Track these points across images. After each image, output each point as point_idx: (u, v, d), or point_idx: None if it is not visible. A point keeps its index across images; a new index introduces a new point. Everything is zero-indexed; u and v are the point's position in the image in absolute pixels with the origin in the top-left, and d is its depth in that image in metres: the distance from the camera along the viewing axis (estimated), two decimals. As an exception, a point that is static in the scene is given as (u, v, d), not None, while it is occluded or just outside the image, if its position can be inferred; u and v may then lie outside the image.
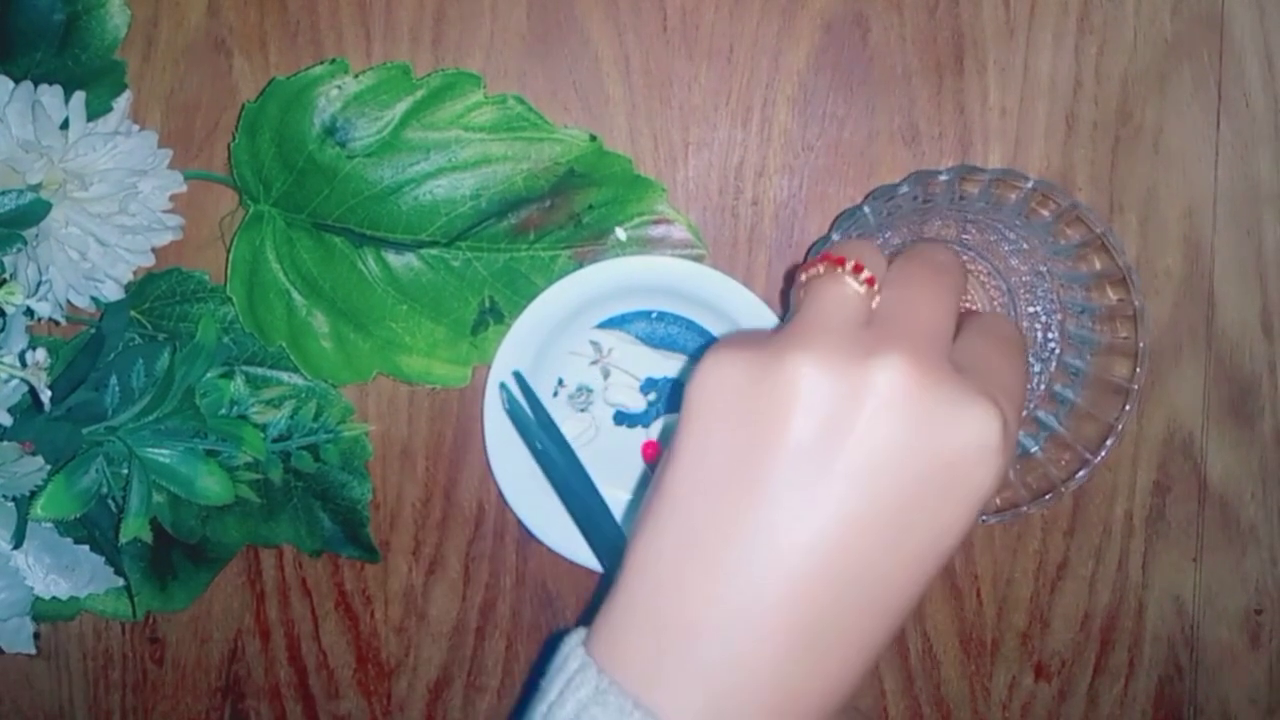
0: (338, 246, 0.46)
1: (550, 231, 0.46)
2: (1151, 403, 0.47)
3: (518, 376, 0.45)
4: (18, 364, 0.41)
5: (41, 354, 0.41)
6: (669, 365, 0.47)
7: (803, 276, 0.29)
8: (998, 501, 0.42)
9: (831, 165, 0.46)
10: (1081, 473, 0.41)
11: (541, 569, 0.49)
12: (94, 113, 0.43)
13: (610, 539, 0.44)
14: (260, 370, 0.47)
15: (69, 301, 0.44)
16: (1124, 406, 0.41)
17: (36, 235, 0.42)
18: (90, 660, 0.51)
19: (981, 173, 0.40)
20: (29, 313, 0.43)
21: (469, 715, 0.50)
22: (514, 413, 0.44)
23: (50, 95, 0.42)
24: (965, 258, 0.46)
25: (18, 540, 0.44)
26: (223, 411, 0.46)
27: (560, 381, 0.47)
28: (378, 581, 0.49)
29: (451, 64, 0.46)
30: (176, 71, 0.47)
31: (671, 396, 0.47)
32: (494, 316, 0.46)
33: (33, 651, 0.47)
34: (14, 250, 0.41)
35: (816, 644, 0.25)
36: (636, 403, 0.47)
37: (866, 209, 0.41)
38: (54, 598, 0.47)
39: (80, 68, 0.45)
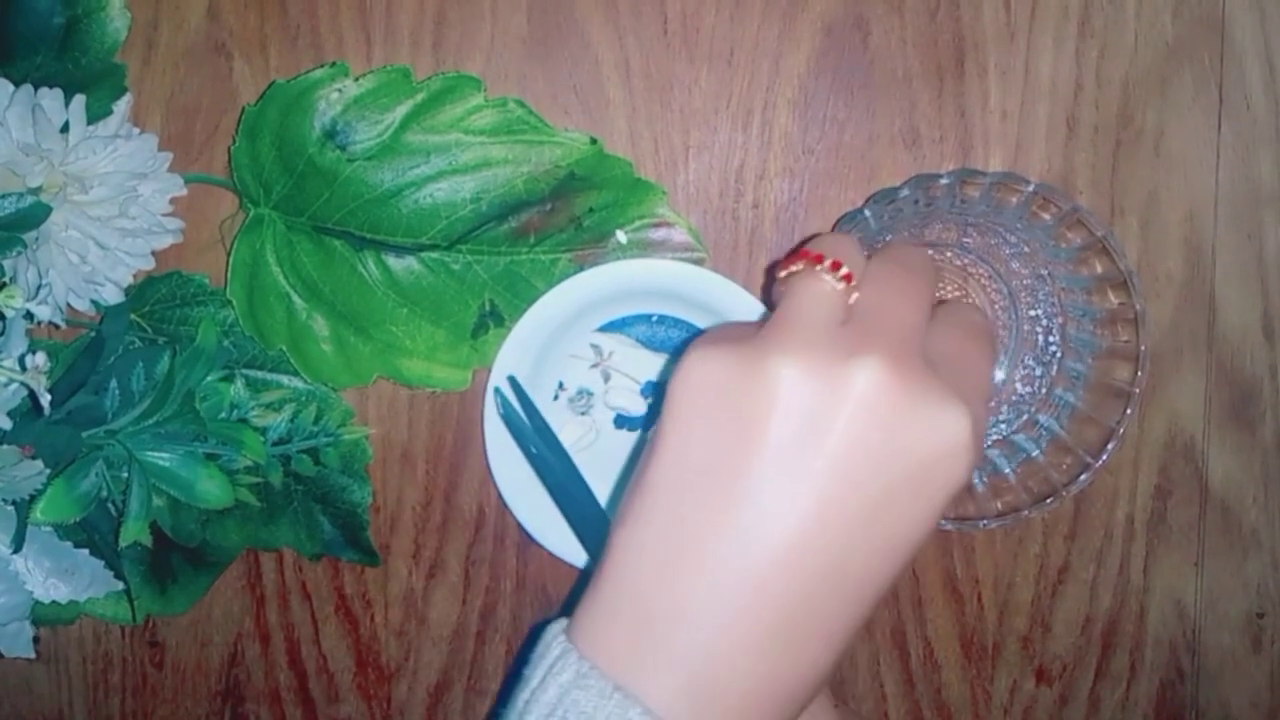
0: (338, 250, 0.46)
1: (551, 235, 0.45)
2: (1153, 406, 0.47)
3: (512, 381, 0.45)
4: (17, 368, 0.41)
5: (41, 358, 0.41)
6: (669, 369, 0.47)
7: (782, 273, 0.29)
8: (999, 505, 0.42)
9: (832, 168, 0.46)
10: (1083, 476, 0.41)
11: (542, 573, 0.49)
12: (94, 116, 0.43)
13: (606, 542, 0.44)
14: (260, 374, 0.47)
15: (69, 305, 0.44)
16: (1125, 410, 0.40)
17: (36, 239, 0.42)
18: (90, 664, 0.51)
19: (982, 176, 0.40)
20: (29, 316, 0.43)
21: (469, 719, 0.50)
22: (508, 418, 0.44)
23: (50, 98, 0.42)
24: (966, 261, 0.46)
25: (17, 544, 0.44)
26: (223, 415, 0.46)
27: (561, 385, 0.47)
28: (378, 585, 0.49)
29: (452, 67, 0.46)
30: (177, 75, 0.47)
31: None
32: (494, 320, 0.46)
33: (32, 655, 0.47)
34: (14, 254, 0.41)
35: (793, 633, 0.26)
36: (637, 406, 0.47)
37: (867, 212, 0.41)
38: (53, 602, 0.46)
39: (80, 71, 0.45)
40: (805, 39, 0.45)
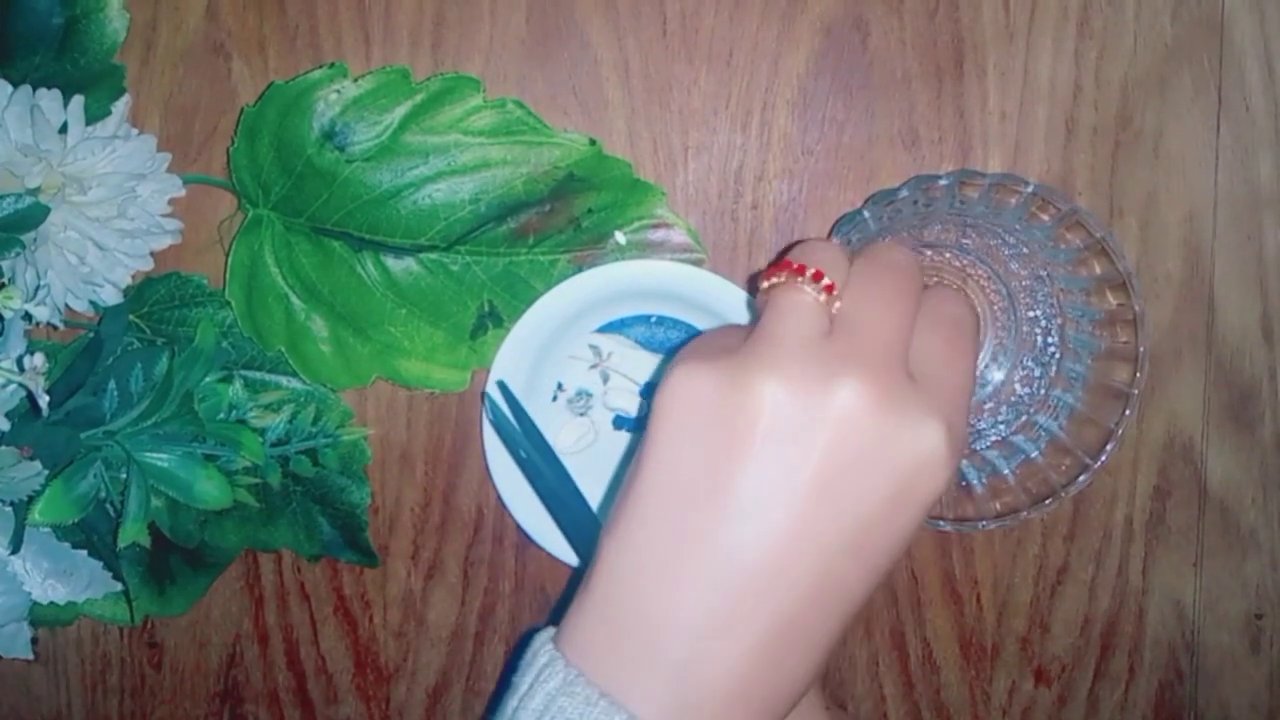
0: (336, 251, 0.46)
1: (549, 236, 0.45)
2: (1152, 408, 0.47)
3: (502, 386, 0.45)
4: (15, 369, 0.41)
5: (39, 359, 0.41)
6: (668, 370, 0.46)
7: (764, 284, 0.30)
8: (998, 506, 0.42)
9: (831, 169, 0.46)
10: (1082, 477, 0.41)
11: (540, 574, 0.49)
12: (93, 117, 0.43)
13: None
14: (259, 374, 0.47)
15: (67, 306, 0.44)
16: (1124, 411, 0.40)
17: (35, 239, 0.42)
18: (88, 665, 0.51)
19: (981, 177, 0.40)
20: (27, 317, 0.42)
21: (468, 720, 0.50)
22: (498, 423, 0.44)
23: (49, 99, 0.42)
24: (965, 262, 0.46)
25: (16, 545, 0.44)
26: (221, 416, 0.46)
27: (559, 386, 0.47)
28: (376, 586, 0.49)
29: (451, 68, 0.46)
30: (175, 75, 0.47)
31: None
32: (493, 321, 0.46)
33: (30, 657, 0.47)
34: (12, 255, 0.41)
35: (775, 642, 0.27)
36: (636, 407, 0.47)
37: (866, 213, 0.41)
38: (52, 603, 0.46)
39: (79, 71, 0.45)
40: (804, 40, 0.45)
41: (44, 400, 0.41)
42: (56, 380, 0.44)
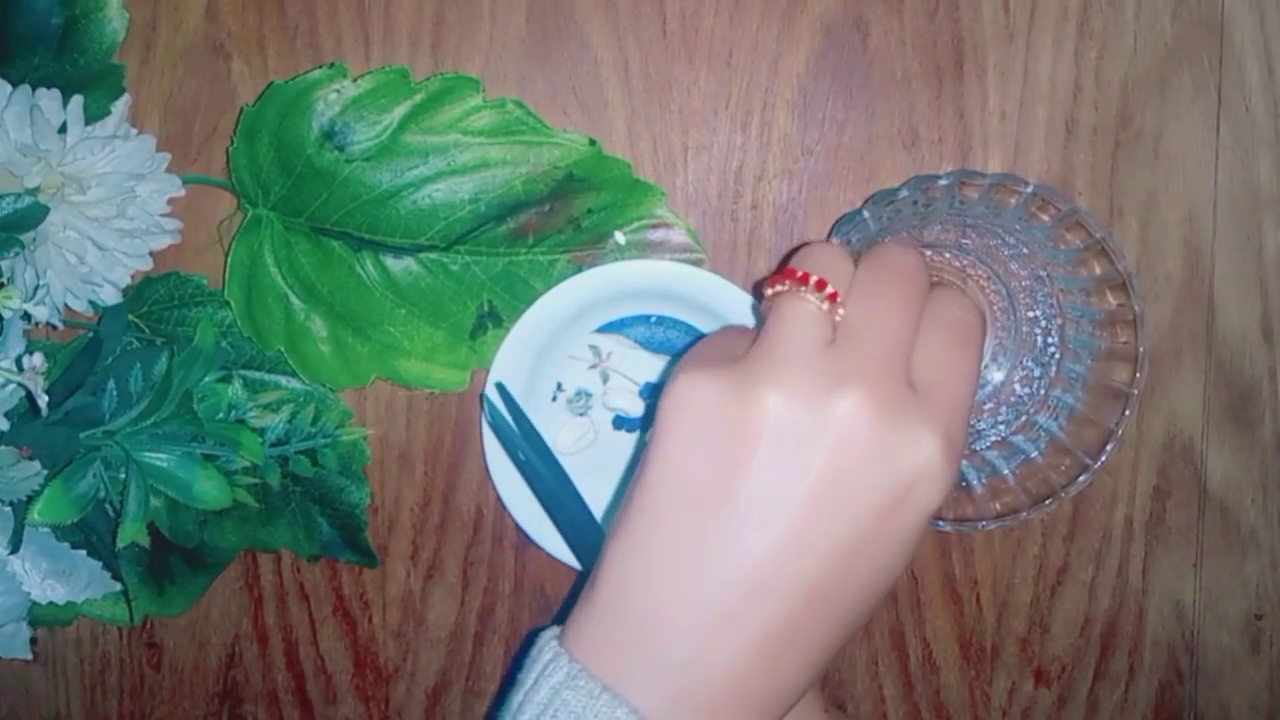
0: (336, 250, 0.46)
1: (549, 235, 0.45)
2: (1151, 408, 0.47)
3: (500, 388, 0.45)
4: (15, 368, 0.41)
5: (39, 358, 0.41)
6: (668, 370, 0.46)
7: (768, 291, 0.30)
8: (997, 507, 0.42)
9: (831, 169, 0.46)
10: (1082, 478, 0.41)
11: (540, 574, 0.49)
12: (92, 116, 0.43)
13: (597, 549, 0.44)
14: (258, 374, 0.47)
15: (66, 306, 0.44)
16: (1124, 411, 0.40)
17: (34, 239, 0.42)
18: (87, 665, 0.51)
19: (981, 177, 0.40)
20: (26, 317, 0.42)
21: (467, 720, 0.50)
22: (496, 425, 0.44)
23: (48, 99, 0.42)
24: (965, 262, 0.46)
25: (15, 545, 0.44)
26: (220, 416, 0.46)
27: (559, 386, 0.47)
28: (376, 586, 0.49)
29: (450, 68, 0.46)
30: (175, 75, 0.47)
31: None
32: (493, 321, 0.46)
33: (29, 657, 0.47)
34: (11, 254, 0.41)
35: (776, 645, 0.27)
36: (635, 407, 0.47)
37: (866, 213, 0.41)
38: (51, 603, 0.46)
39: (78, 71, 0.45)
40: (804, 40, 0.45)
41: (43, 400, 0.41)
42: (56, 380, 0.44)
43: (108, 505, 0.45)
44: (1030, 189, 0.39)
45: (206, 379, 0.46)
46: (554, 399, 0.47)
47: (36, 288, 0.43)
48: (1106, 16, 0.45)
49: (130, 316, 0.47)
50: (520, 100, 0.45)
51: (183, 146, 0.47)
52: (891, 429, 0.27)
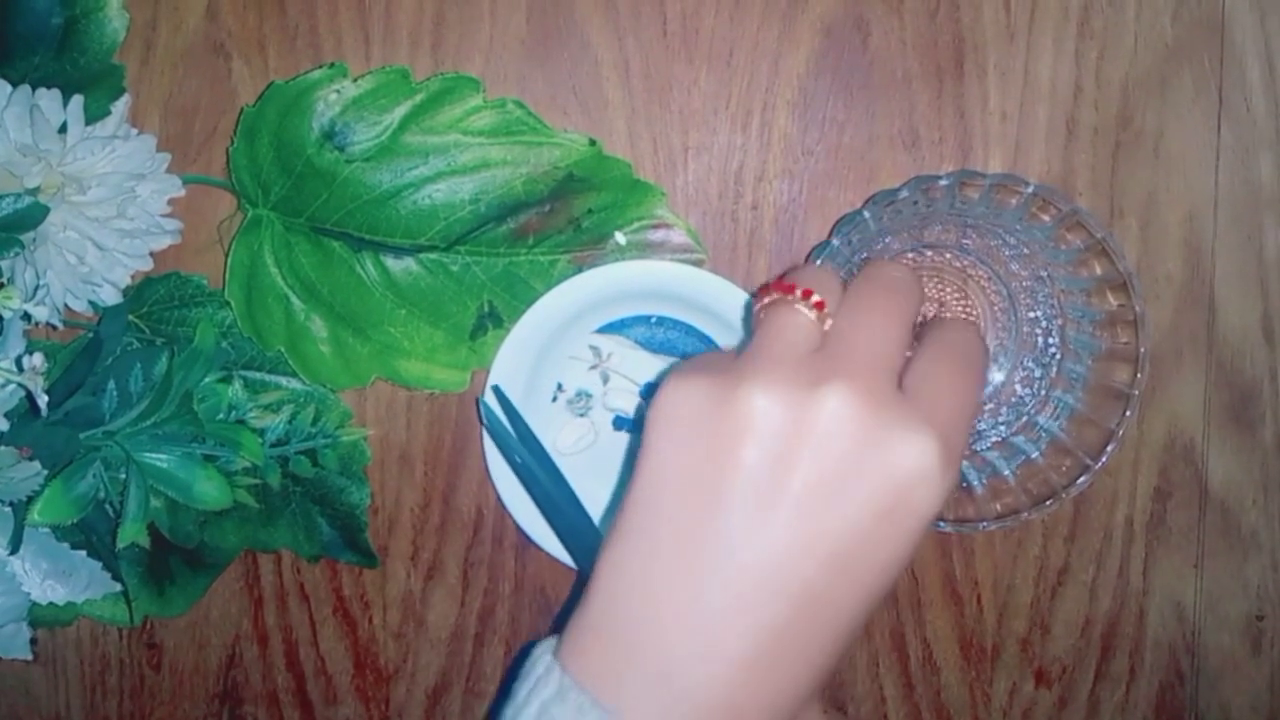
0: (336, 251, 0.46)
1: (549, 236, 0.45)
2: (1152, 408, 0.47)
3: (497, 391, 0.45)
4: (15, 369, 0.41)
5: (39, 359, 0.41)
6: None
7: (758, 305, 0.30)
8: (998, 507, 0.42)
9: (831, 170, 0.46)
10: (1082, 478, 0.41)
11: (540, 575, 0.49)
12: (92, 116, 0.43)
13: (595, 551, 0.44)
14: (258, 375, 0.47)
15: (66, 306, 0.44)
16: (1125, 412, 0.40)
17: (34, 239, 0.42)
18: (87, 666, 0.51)
19: (982, 177, 0.40)
20: (26, 317, 0.42)
21: (467, 721, 0.50)
22: (493, 428, 0.44)
23: (48, 99, 0.42)
24: (965, 263, 0.46)
25: (14, 545, 0.44)
26: (221, 416, 0.46)
27: (559, 386, 0.47)
28: (376, 587, 0.49)
29: (451, 68, 0.46)
30: (175, 75, 0.47)
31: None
32: (493, 321, 0.46)
33: (29, 657, 0.47)
34: (11, 254, 0.41)
35: (771, 656, 0.27)
36: (636, 408, 0.47)
37: (866, 214, 0.41)
38: (51, 603, 0.46)
39: (78, 71, 0.45)
40: (805, 40, 0.45)
41: (43, 400, 0.41)
42: (56, 380, 0.44)
43: (108, 505, 0.45)
44: (1031, 189, 0.39)
45: (207, 379, 0.46)
46: (554, 399, 0.47)
47: (36, 288, 0.43)
48: (1107, 17, 0.45)
49: (130, 317, 0.47)
50: (520, 100, 0.45)
51: (183, 146, 0.47)
52: (880, 425, 0.27)
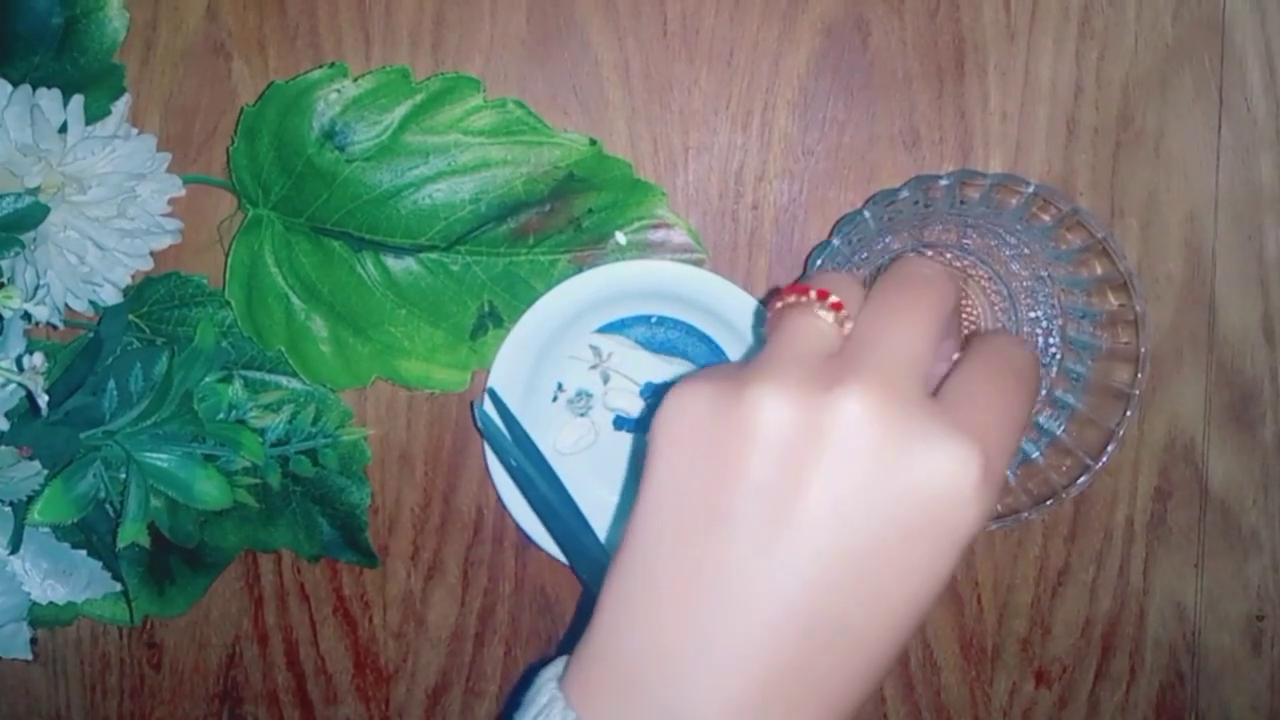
0: (336, 250, 0.46)
1: (550, 236, 0.45)
2: (1153, 408, 0.47)
3: (492, 394, 0.45)
4: (15, 368, 0.41)
5: (39, 358, 0.41)
6: (669, 370, 0.46)
7: (771, 310, 0.28)
8: (998, 507, 0.42)
9: (832, 169, 0.46)
10: (1083, 478, 0.41)
11: (540, 575, 0.49)
12: (92, 116, 0.43)
13: (592, 555, 0.44)
14: (259, 374, 0.47)
15: (67, 305, 0.44)
16: (1125, 412, 0.40)
17: (34, 239, 0.42)
18: (87, 666, 0.51)
19: (982, 177, 0.40)
20: (26, 317, 0.42)
21: (467, 721, 0.50)
22: (487, 432, 0.44)
23: (48, 99, 0.42)
24: (966, 263, 0.46)
25: (15, 545, 0.44)
26: (221, 416, 0.46)
27: (560, 386, 0.47)
28: (376, 587, 0.49)
29: (451, 68, 0.46)
30: (175, 75, 0.47)
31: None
32: (493, 321, 0.46)
33: (29, 657, 0.47)
34: (12, 254, 0.41)
35: (784, 697, 0.24)
36: (636, 407, 0.47)
37: (867, 214, 0.41)
38: (51, 603, 0.46)
39: (79, 71, 0.45)
40: (805, 40, 0.45)
41: (43, 400, 0.41)
42: (56, 380, 0.44)
43: (108, 505, 0.45)
44: (1031, 189, 0.39)
45: (207, 379, 0.46)
46: (554, 399, 0.47)
47: (37, 288, 0.43)
48: (1107, 16, 0.45)
49: (130, 316, 0.47)
50: (521, 100, 0.45)
51: (183, 146, 0.47)
52: (906, 432, 0.24)
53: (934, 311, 0.26)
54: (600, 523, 0.46)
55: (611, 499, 0.47)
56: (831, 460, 0.24)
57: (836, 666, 0.24)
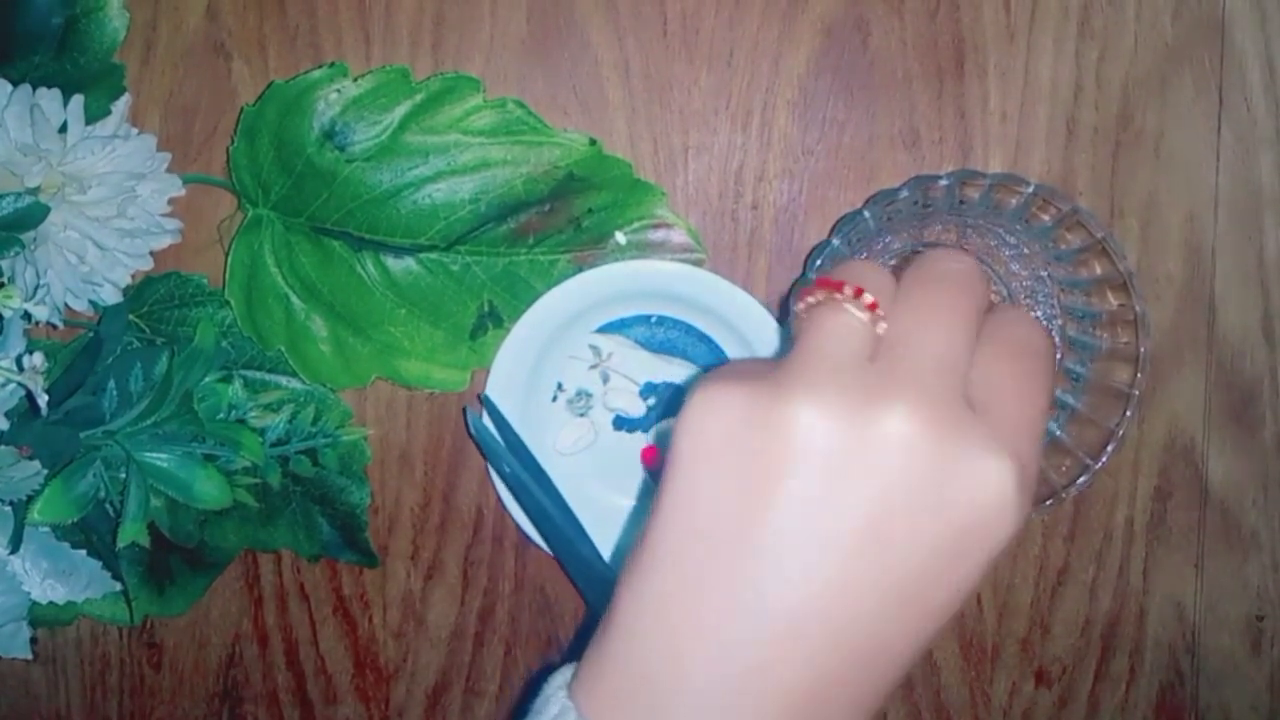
0: (336, 250, 0.46)
1: (549, 235, 0.45)
2: (1152, 408, 0.47)
3: (485, 400, 0.45)
4: (15, 368, 0.41)
5: (39, 358, 0.41)
6: (668, 370, 0.46)
7: (800, 305, 0.27)
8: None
9: (831, 169, 0.46)
10: (1082, 478, 0.41)
11: (540, 574, 0.49)
12: (92, 116, 0.43)
13: (588, 562, 0.44)
14: (258, 374, 0.47)
15: (67, 305, 0.44)
16: (1125, 412, 0.40)
17: (34, 239, 0.42)
18: (87, 665, 0.51)
19: (982, 177, 0.40)
20: (26, 316, 0.42)
21: (467, 721, 0.50)
22: (481, 437, 0.44)
23: (49, 98, 0.42)
24: (966, 262, 0.45)
25: (15, 545, 0.44)
26: (221, 416, 0.46)
27: (559, 386, 0.47)
28: (376, 586, 0.49)
29: (451, 68, 0.46)
30: (175, 75, 0.47)
31: (671, 402, 0.47)
32: (493, 321, 0.46)
33: (30, 657, 0.47)
34: (12, 254, 0.41)
35: (808, 711, 0.24)
36: (636, 407, 0.47)
37: (867, 214, 0.41)
38: (51, 603, 0.46)
39: (79, 71, 0.45)
40: (805, 40, 0.45)
41: (43, 400, 0.41)
42: (56, 380, 0.44)
43: (108, 505, 0.45)
44: (1031, 189, 0.39)
45: (207, 379, 0.46)
46: (554, 399, 0.47)
47: (37, 287, 0.43)
48: (1107, 16, 0.45)
49: (130, 316, 0.47)
50: (521, 100, 0.45)
51: (183, 146, 0.47)
52: (949, 448, 0.23)
53: (970, 313, 0.26)
54: (600, 523, 0.46)
55: (612, 499, 0.47)
56: (874, 480, 0.23)
57: (864, 680, 0.24)
